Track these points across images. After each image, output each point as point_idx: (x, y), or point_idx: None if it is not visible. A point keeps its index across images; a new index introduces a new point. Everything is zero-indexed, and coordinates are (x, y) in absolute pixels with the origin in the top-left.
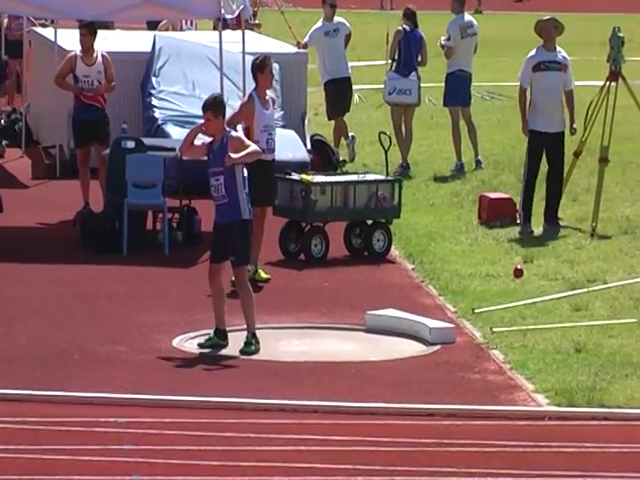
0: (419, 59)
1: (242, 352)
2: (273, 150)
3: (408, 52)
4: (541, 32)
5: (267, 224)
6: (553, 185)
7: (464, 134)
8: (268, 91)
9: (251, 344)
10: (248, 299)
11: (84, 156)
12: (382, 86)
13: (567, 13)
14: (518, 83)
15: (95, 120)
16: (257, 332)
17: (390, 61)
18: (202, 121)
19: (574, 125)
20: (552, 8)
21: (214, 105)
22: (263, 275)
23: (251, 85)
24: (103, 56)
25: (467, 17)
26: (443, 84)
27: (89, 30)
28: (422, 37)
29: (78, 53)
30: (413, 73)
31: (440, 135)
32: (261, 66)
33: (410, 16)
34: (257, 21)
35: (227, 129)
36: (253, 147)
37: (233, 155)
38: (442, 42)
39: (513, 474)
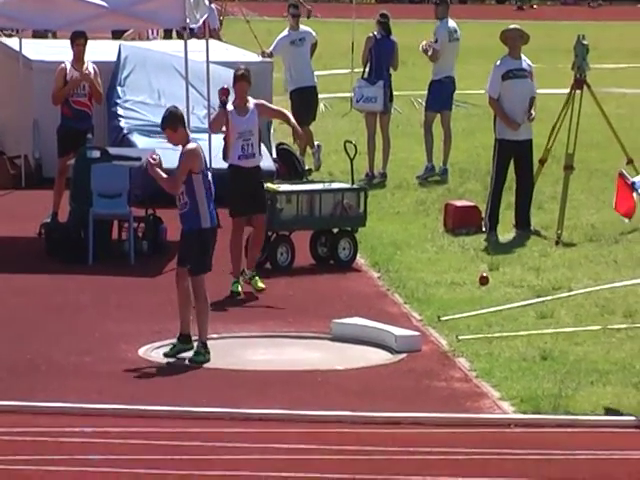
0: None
1: (191, 361)
2: (251, 155)
3: (378, 59)
4: (506, 41)
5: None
6: (524, 191)
7: (437, 142)
8: (251, 98)
9: (201, 353)
10: (203, 308)
11: (64, 165)
12: (348, 94)
13: (532, 21)
14: (482, 91)
15: (84, 130)
16: (224, 341)
17: (363, 67)
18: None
19: (532, 112)
20: (516, 17)
21: (170, 120)
22: (259, 284)
23: (214, 93)
24: (93, 66)
25: (451, 22)
26: (425, 91)
27: (85, 40)
28: (394, 43)
29: (67, 63)
30: (380, 81)
31: (406, 143)
32: (235, 78)
33: (382, 24)
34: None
35: (190, 139)
36: (169, 177)
37: (155, 167)
38: (427, 46)
39: None
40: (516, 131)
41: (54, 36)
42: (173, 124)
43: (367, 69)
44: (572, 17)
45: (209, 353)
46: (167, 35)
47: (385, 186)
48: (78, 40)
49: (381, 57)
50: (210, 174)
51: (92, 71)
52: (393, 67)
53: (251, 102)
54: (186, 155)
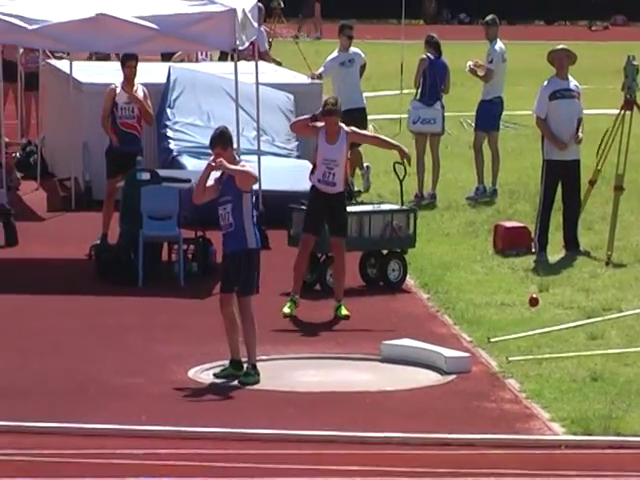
0: (442, 87)
1: (241, 382)
2: (331, 184)
3: (433, 80)
4: (553, 61)
5: (282, 254)
6: (571, 212)
7: (486, 162)
8: (343, 126)
9: (251, 375)
10: (251, 330)
11: (113, 187)
12: (396, 116)
13: (581, 42)
14: (531, 112)
15: (133, 153)
16: (274, 363)
17: (416, 89)
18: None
19: (579, 134)
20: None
21: (220, 139)
22: (343, 312)
23: (265, 115)
24: (143, 89)
25: (500, 43)
26: (473, 111)
27: (136, 62)
28: (446, 65)
29: (117, 85)
30: (437, 102)
31: (454, 164)
32: (324, 112)
33: (433, 44)
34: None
35: (237, 159)
36: (248, 168)
37: (225, 163)
38: (474, 66)
39: None
40: (564, 151)
41: (117, 58)
42: (224, 143)
43: (420, 90)
44: (621, 37)
45: (259, 374)
46: (223, 57)
47: (434, 207)
48: (129, 62)
49: (436, 78)
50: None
51: (142, 93)
52: (445, 89)
53: (342, 131)
54: (245, 172)
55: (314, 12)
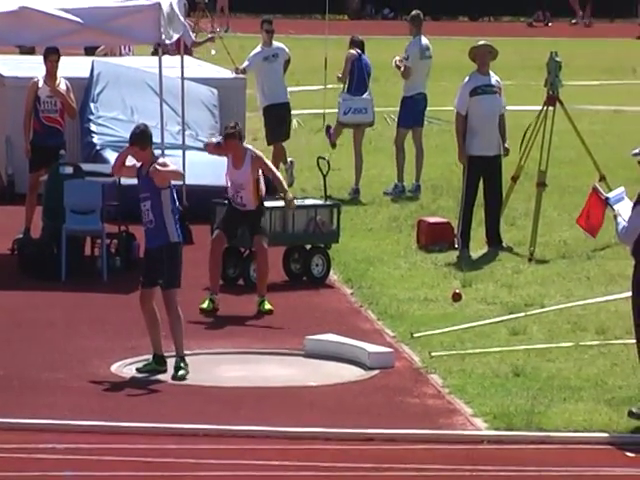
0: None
1: (173, 378)
2: (241, 205)
3: (360, 73)
4: (475, 57)
5: (205, 248)
6: (493, 208)
7: (410, 157)
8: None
9: (180, 368)
10: (177, 323)
11: (35, 181)
12: (320, 111)
13: (504, 37)
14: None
15: (55, 146)
16: (197, 357)
17: (343, 83)
18: None
19: (506, 145)
20: (490, 33)
21: (140, 138)
22: (267, 306)
23: (189, 110)
24: (65, 82)
25: (424, 40)
26: (397, 107)
27: (58, 56)
28: (368, 63)
29: (40, 78)
30: (366, 92)
31: (378, 159)
32: (224, 136)
33: (358, 44)
34: (209, 35)
35: (155, 156)
36: (175, 168)
37: (159, 167)
38: (398, 62)
39: None
40: (485, 147)
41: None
42: (142, 143)
43: (347, 85)
44: (546, 34)
45: (187, 365)
46: (155, 53)
47: (358, 202)
48: (51, 56)
49: (363, 71)
50: (175, 191)
51: (65, 87)
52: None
53: (247, 155)
54: (162, 164)
55: (221, 7)
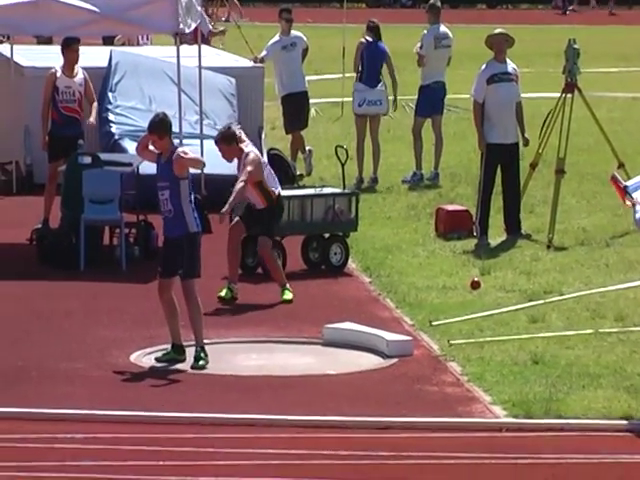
0: (390, 71)
1: (193, 367)
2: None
3: (372, 63)
4: (492, 45)
5: (224, 238)
6: (512, 196)
7: (428, 146)
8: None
9: (200, 358)
10: (196, 312)
11: (54, 171)
12: (338, 99)
13: (522, 25)
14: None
15: (74, 136)
16: (216, 347)
17: (355, 73)
18: None
19: (526, 135)
20: (508, 20)
21: (158, 127)
22: (285, 296)
23: (207, 99)
24: (83, 72)
25: (442, 28)
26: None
27: (78, 46)
28: (384, 49)
29: (57, 69)
30: (379, 83)
31: (397, 148)
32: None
33: (373, 29)
34: (222, 28)
35: (175, 145)
36: (196, 156)
37: (182, 155)
38: (415, 50)
39: None
40: (503, 134)
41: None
42: (161, 131)
43: (359, 74)
44: (563, 21)
45: (207, 355)
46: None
47: (376, 191)
48: (74, 46)
49: (375, 61)
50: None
51: (82, 76)
52: (390, 74)
53: (243, 155)
54: (183, 152)
55: None
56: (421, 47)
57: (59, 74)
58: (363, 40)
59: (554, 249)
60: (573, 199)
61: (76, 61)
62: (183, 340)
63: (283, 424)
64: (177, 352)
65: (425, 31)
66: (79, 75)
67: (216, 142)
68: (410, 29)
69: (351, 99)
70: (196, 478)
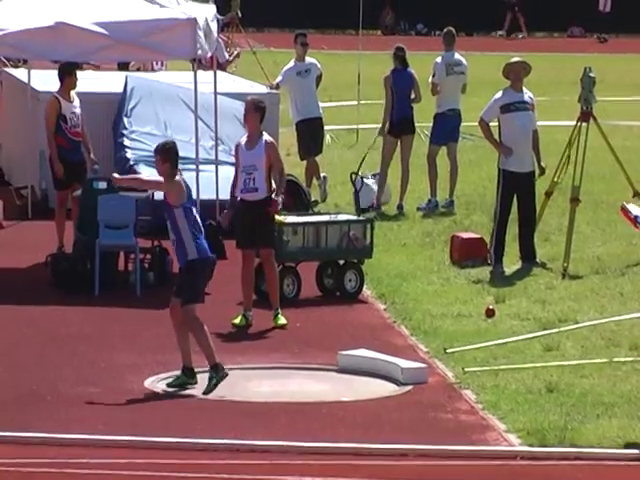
0: (412, 96)
1: (205, 393)
2: (253, 190)
3: (399, 93)
4: (509, 74)
5: (239, 264)
6: (526, 224)
7: (443, 173)
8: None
9: (212, 377)
10: (200, 335)
11: (65, 197)
12: (353, 126)
13: (538, 53)
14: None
15: (81, 162)
16: (231, 373)
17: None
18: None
19: (542, 164)
20: (523, 48)
21: (162, 150)
22: (280, 321)
23: (222, 125)
24: (77, 97)
25: (456, 55)
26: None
27: (77, 71)
28: (412, 75)
29: (56, 94)
30: (411, 109)
31: (412, 175)
32: (246, 108)
33: (399, 57)
34: (236, 52)
35: (178, 177)
36: (141, 176)
37: (116, 175)
38: (429, 80)
39: None
40: (520, 164)
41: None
42: (166, 156)
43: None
44: (578, 49)
45: (222, 371)
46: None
47: (391, 218)
48: (73, 72)
49: (404, 90)
50: (195, 208)
51: (78, 100)
52: (417, 99)
53: (263, 138)
54: (168, 185)
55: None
56: (434, 75)
57: (62, 101)
58: (388, 73)
59: (569, 277)
60: (588, 228)
61: (74, 87)
62: (196, 365)
63: (297, 451)
64: (188, 376)
65: (438, 59)
66: (76, 99)
67: (246, 111)
68: (425, 56)
69: (366, 125)
70: None
